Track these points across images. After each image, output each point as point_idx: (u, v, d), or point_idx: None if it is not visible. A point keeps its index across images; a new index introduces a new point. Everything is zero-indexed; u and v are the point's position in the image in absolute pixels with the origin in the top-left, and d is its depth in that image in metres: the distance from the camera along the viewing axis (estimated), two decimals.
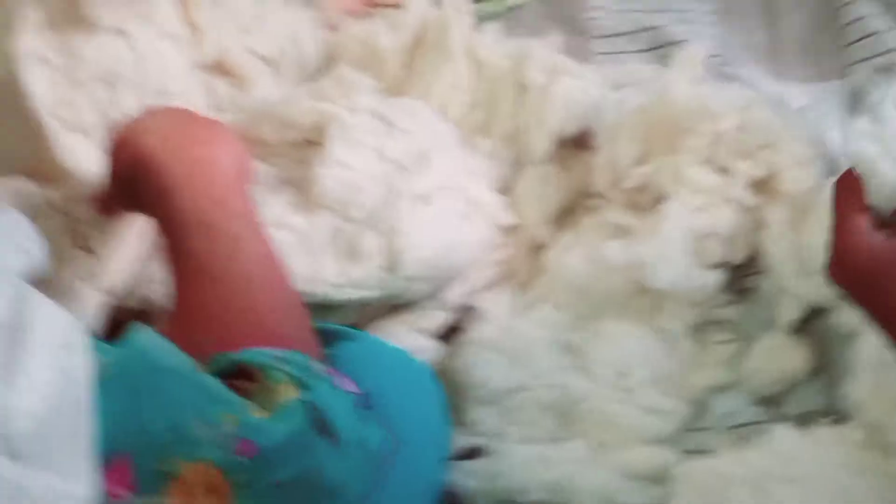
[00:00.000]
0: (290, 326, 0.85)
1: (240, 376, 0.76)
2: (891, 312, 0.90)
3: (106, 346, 0.69)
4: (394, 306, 1.12)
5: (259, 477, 0.70)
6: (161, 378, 0.69)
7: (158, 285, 1.04)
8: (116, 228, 1.05)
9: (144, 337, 0.71)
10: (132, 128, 0.93)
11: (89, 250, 1.06)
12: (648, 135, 1.13)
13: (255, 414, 0.71)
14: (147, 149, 0.89)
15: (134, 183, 0.91)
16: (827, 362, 1.10)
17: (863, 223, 0.91)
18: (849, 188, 0.92)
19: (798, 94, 1.21)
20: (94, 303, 1.03)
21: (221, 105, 1.19)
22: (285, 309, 0.86)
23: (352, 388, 0.81)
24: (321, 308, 1.06)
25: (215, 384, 0.71)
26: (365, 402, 0.82)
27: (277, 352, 0.78)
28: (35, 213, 1.02)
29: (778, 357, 1.10)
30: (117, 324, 1.06)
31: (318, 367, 0.80)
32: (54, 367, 0.60)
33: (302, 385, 0.75)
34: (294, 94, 1.15)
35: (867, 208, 0.91)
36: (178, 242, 0.86)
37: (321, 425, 0.74)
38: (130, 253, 1.06)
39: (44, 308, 0.63)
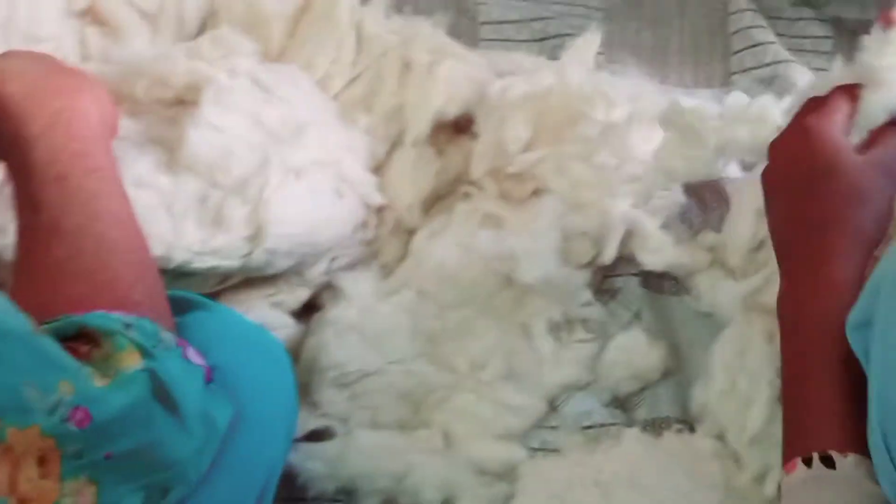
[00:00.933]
0: (142, 292, 0.81)
1: (82, 339, 0.72)
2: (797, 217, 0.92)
3: None
4: (253, 278, 1.09)
5: (92, 447, 0.66)
6: None
7: (7, 237, 0.99)
8: None
9: None
10: None
11: None
12: (537, 122, 1.13)
13: (95, 381, 0.68)
14: (5, 94, 0.85)
15: None
16: (682, 365, 1.11)
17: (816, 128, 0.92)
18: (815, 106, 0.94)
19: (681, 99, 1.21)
20: None
21: (92, 55, 1.15)
22: (138, 273, 0.83)
23: (201, 361, 0.78)
24: (178, 275, 1.02)
25: (54, 348, 0.67)
26: (214, 377, 0.79)
27: (125, 317, 0.75)
28: None
29: (633, 354, 1.10)
30: None
31: (167, 336, 0.77)
32: None
33: (147, 354, 0.72)
34: (170, 52, 1.11)
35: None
36: (30, 194, 0.82)
37: (165, 397, 0.71)
38: None
39: None
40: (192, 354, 0.78)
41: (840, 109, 0.92)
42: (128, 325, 0.73)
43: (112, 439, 0.67)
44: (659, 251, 1.12)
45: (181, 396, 0.72)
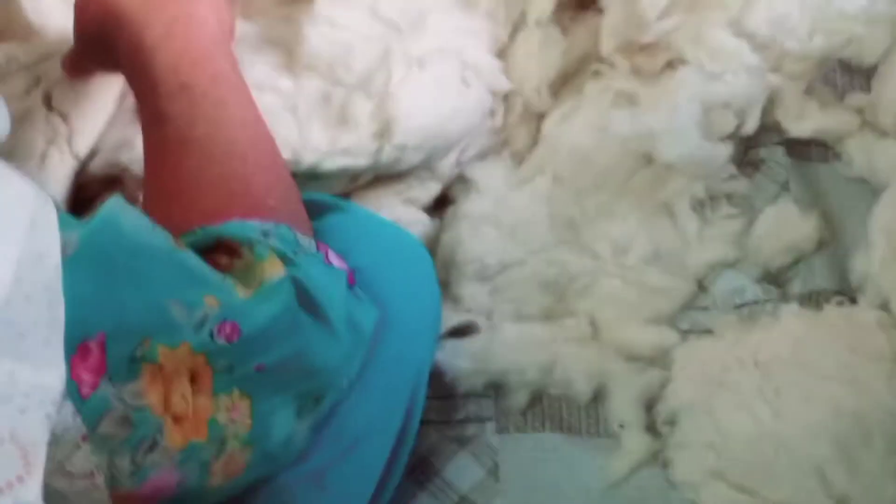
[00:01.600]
0: (277, 197, 0.78)
1: (221, 251, 0.70)
2: None
3: (76, 220, 0.63)
4: (383, 176, 1.06)
5: (242, 360, 0.65)
6: (136, 256, 0.62)
7: (133, 150, 0.97)
8: (87, 88, 0.98)
9: (118, 210, 0.64)
10: None
11: (59, 112, 0.98)
12: None
13: (239, 293, 0.66)
14: (119, 3, 0.82)
15: (105, 40, 0.84)
16: (837, 235, 1.06)
17: None
18: None
19: None
20: (63, 168, 0.97)
21: None
22: (272, 179, 0.79)
23: (343, 265, 0.76)
24: (308, 177, 1.00)
25: (196, 262, 0.65)
26: (357, 280, 0.77)
27: (263, 225, 0.72)
28: None
29: (785, 227, 1.06)
30: (87, 191, 1.02)
31: (307, 242, 0.74)
32: (21, 247, 0.54)
33: (289, 261, 0.70)
34: None
35: None
36: (154, 106, 0.79)
37: (310, 304, 0.69)
38: (103, 115, 0.99)
39: (8, 181, 0.56)
40: (334, 258, 0.75)
41: None
42: (266, 233, 0.71)
43: (262, 351, 0.66)
44: (804, 117, 1.07)
45: (326, 302, 0.70)
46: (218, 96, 0.79)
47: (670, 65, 1.07)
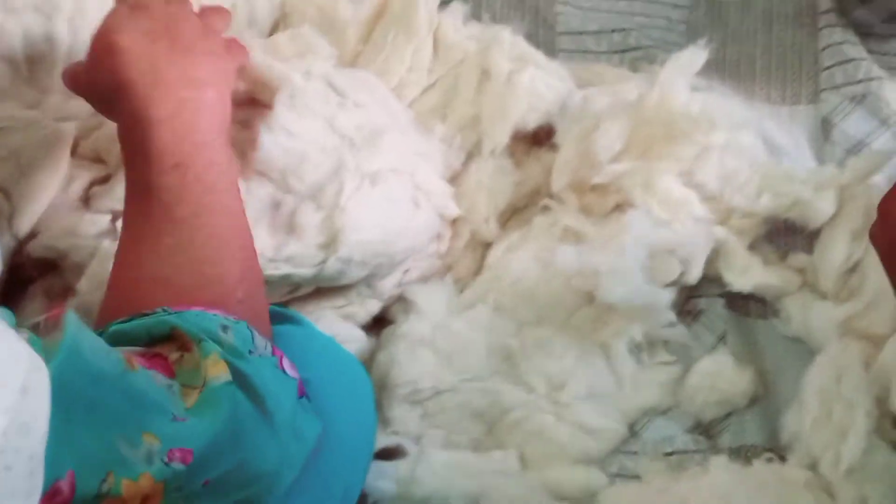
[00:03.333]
0: (246, 291, 0.78)
1: (174, 342, 0.69)
2: None
3: (38, 343, 0.60)
4: (324, 289, 1.06)
5: (193, 478, 0.63)
6: (95, 385, 0.59)
7: (76, 238, 0.96)
8: (33, 169, 0.97)
9: (79, 336, 0.61)
10: (115, 36, 0.83)
11: (2, 189, 0.97)
12: (631, 134, 1.08)
13: (186, 401, 0.64)
14: (130, 74, 0.81)
15: (110, 98, 0.83)
16: (770, 391, 1.06)
17: None
18: None
19: (766, 117, 1.16)
20: (3, 246, 0.95)
21: None
22: (244, 271, 0.79)
23: (295, 374, 0.74)
24: None
25: (143, 384, 0.63)
26: (305, 391, 0.76)
27: (224, 318, 0.71)
28: None
29: (719, 379, 1.06)
30: (20, 271, 1.00)
31: (263, 343, 0.73)
32: (10, 416, 0.50)
33: (242, 357, 0.69)
34: (246, 40, 1.05)
35: None
36: (144, 178, 0.79)
37: (257, 403, 0.68)
38: (45, 197, 0.98)
39: (2, 341, 0.52)
40: (288, 366, 0.74)
41: None
42: (225, 327, 0.70)
43: (212, 466, 0.64)
44: (746, 272, 1.08)
45: (273, 404, 0.69)
46: (210, 182, 0.79)
47: (619, 207, 1.08)
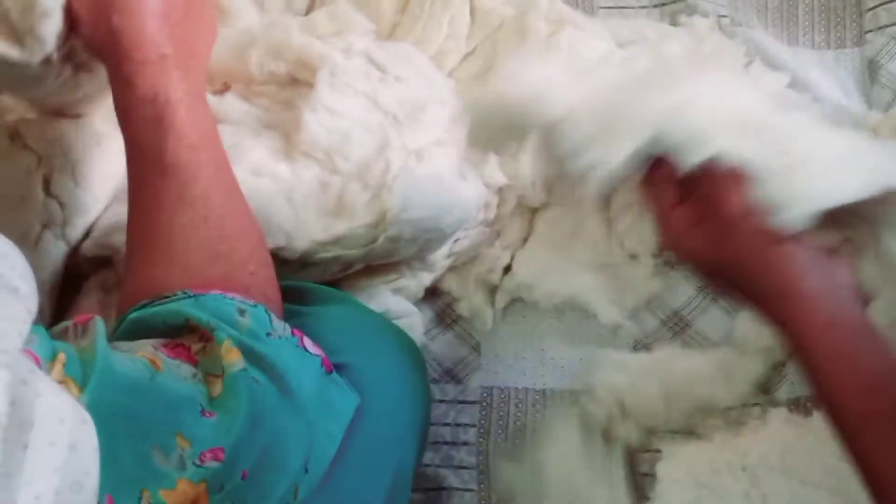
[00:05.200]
0: (258, 264, 0.79)
1: (195, 332, 0.70)
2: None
3: (77, 362, 0.61)
4: (375, 265, 1.06)
5: (230, 473, 0.64)
6: (128, 399, 0.60)
7: (124, 233, 0.97)
8: (87, 178, 0.98)
9: (107, 351, 0.61)
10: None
11: (56, 198, 0.98)
12: None
13: (212, 390, 0.65)
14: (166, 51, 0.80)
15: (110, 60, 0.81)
16: None
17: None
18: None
19: (809, 60, 1.15)
20: (56, 253, 0.97)
21: None
22: (254, 246, 0.80)
23: (318, 351, 0.75)
24: (300, 264, 0.99)
25: (170, 384, 0.64)
26: (344, 371, 0.76)
27: (241, 302, 0.72)
28: (2, 152, 0.95)
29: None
30: (77, 270, 1.02)
31: (280, 325, 0.74)
32: (61, 476, 0.50)
33: (261, 340, 0.69)
34: (283, 21, 1.05)
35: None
36: (161, 157, 0.78)
37: (279, 382, 0.69)
38: (98, 207, 0.99)
39: (47, 397, 0.51)
40: (309, 344, 0.75)
41: None
42: (242, 311, 0.71)
43: (242, 456, 0.65)
44: None
45: (296, 383, 0.69)
46: (221, 162, 0.81)
47: None
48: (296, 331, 0.74)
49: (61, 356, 0.57)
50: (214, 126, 0.82)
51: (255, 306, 0.72)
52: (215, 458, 0.63)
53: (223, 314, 0.70)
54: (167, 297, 0.72)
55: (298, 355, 0.72)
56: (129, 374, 0.61)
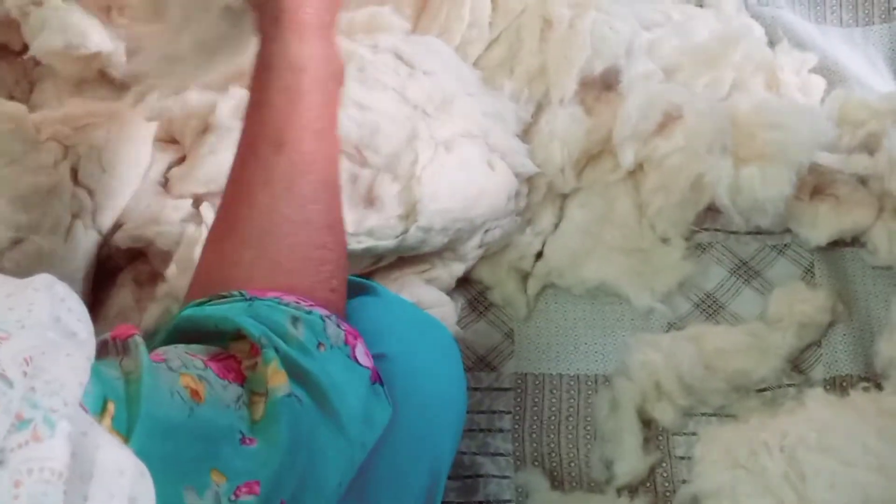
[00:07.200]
0: (333, 242, 0.76)
1: (246, 342, 0.67)
2: None
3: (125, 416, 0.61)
4: (407, 256, 1.06)
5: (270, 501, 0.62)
6: (164, 442, 0.58)
7: (159, 225, 0.98)
8: (114, 164, 0.98)
9: (152, 388, 0.59)
10: None
11: (85, 186, 0.98)
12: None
13: (254, 413, 0.63)
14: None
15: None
16: (861, 318, 1.07)
17: None
18: None
19: (837, 38, 1.14)
20: (87, 242, 0.97)
21: None
22: (343, 271, 0.77)
23: (369, 363, 0.72)
24: None
25: (208, 415, 0.61)
26: (384, 366, 0.75)
27: (296, 309, 0.69)
28: (29, 145, 0.96)
29: (796, 299, 1.06)
30: (111, 262, 1.02)
31: (336, 334, 0.71)
32: None
33: (303, 356, 0.67)
34: None
35: None
36: (277, 134, 0.75)
37: (322, 401, 0.66)
38: (127, 191, 0.99)
39: (107, 449, 0.51)
40: (361, 354, 0.72)
41: None
42: (295, 319, 0.68)
43: (283, 486, 0.63)
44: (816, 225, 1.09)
45: (339, 402, 0.67)
46: (334, 160, 0.78)
47: None
48: (350, 337, 0.72)
49: (110, 408, 0.55)
50: (337, 119, 0.79)
51: (310, 313, 0.70)
52: (251, 492, 0.61)
53: (275, 324, 0.68)
54: (224, 296, 0.70)
55: (347, 369, 0.70)
56: (167, 415, 0.59)
